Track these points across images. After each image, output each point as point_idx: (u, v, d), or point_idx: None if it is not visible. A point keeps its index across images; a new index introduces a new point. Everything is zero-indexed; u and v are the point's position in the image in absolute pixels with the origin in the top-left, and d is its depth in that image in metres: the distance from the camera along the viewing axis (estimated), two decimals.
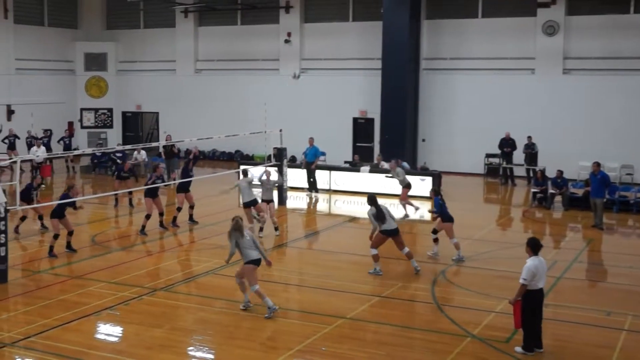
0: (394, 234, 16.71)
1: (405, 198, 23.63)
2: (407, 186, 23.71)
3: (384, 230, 16.62)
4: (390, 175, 24.20)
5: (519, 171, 31.21)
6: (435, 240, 18.49)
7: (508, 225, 24.19)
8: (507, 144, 31.18)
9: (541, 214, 25.11)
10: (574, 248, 19.94)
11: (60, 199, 18.69)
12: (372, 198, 16.93)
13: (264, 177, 21.15)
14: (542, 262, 11.97)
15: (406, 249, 16.91)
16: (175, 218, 21.98)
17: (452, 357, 11.98)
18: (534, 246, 12.02)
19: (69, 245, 18.76)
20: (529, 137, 30.76)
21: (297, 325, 13.54)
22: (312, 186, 28.11)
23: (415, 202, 23.94)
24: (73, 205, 18.98)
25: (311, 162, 28.12)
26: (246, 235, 13.98)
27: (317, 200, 27.27)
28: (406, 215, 23.50)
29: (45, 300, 14.85)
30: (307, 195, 27.87)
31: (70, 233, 18.76)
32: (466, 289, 15.80)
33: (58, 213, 18.47)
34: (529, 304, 11.82)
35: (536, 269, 11.77)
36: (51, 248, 18.39)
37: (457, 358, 11.99)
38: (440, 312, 14.23)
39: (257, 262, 13.94)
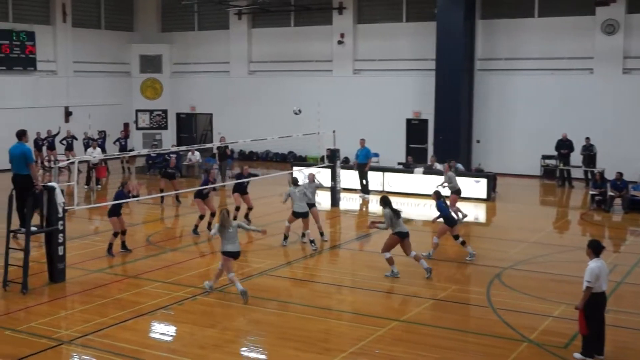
0: (405, 236, 16.61)
1: (453, 205, 22.34)
2: (456, 192, 22.81)
3: (397, 232, 16.54)
4: (444, 184, 22.84)
5: (577, 173, 30.68)
6: (463, 244, 18.29)
7: (565, 228, 23.77)
8: (565, 146, 30.67)
9: (600, 217, 24.64)
10: (634, 252, 19.47)
11: (115, 198, 18.88)
12: (385, 199, 16.86)
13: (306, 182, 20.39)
14: (604, 264, 11.69)
15: (413, 253, 16.74)
16: (235, 217, 21.99)
17: None
18: (595, 248, 11.73)
19: (123, 245, 18.93)
20: (587, 139, 30.22)
21: (350, 327, 13.45)
22: (365, 188, 27.94)
23: (464, 210, 23.29)
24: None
25: (363, 163, 27.97)
26: (229, 229, 14.94)
27: (368, 202, 27.14)
28: (464, 216, 22.94)
29: (102, 299, 14.99)
30: (359, 197, 27.73)
31: (123, 232, 18.94)
32: (522, 292, 15.53)
33: (114, 211, 18.66)
34: (591, 308, 11.52)
35: (599, 270, 11.49)
36: (110, 246, 18.61)
37: None
38: (496, 316, 14.01)
39: (234, 255, 15.09)
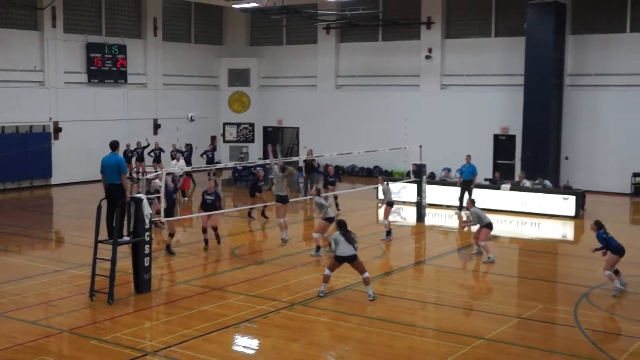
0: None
1: (484, 238, 20.10)
2: (487, 226, 20.11)
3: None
4: (468, 221, 21.10)
5: None
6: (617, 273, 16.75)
7: None
8: None
9: None
10: None
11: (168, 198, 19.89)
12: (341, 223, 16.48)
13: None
14: None
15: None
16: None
17: None
18: None
19: (168, 248, 19.80)
20: None
21: (434, 345, 13.29)
22: (461, 205, 27.13)
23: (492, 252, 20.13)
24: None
25: (468, 180, 27.54)
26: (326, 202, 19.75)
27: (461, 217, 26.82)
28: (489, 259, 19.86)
29: (186, 310, 15.15)
30: (455, 213, 27.30)
31: (171, 235, 19.78)
32: (612, 313, 15.14)
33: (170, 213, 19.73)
34: None
35: None
36: (168, 246, 19.83)
37: None
38: (584, 336, 13.64)
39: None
